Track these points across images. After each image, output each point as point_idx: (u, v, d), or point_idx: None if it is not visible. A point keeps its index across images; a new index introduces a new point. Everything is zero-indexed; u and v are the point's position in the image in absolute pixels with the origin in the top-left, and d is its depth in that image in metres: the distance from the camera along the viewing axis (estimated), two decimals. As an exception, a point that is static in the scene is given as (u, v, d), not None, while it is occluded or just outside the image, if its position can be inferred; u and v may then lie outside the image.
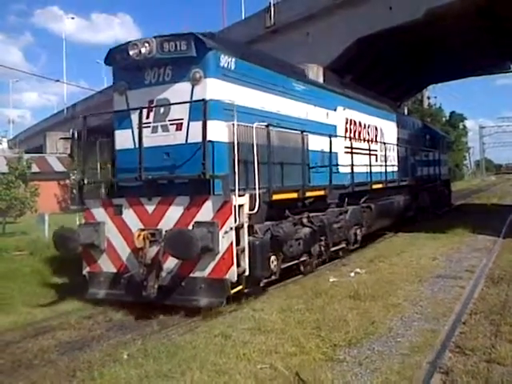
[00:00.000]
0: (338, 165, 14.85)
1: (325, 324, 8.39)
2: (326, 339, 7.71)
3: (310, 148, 13.09)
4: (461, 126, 73.99)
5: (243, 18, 31.89)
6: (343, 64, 25.36)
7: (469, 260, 13.99)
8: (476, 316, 8.79)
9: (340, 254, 14.92)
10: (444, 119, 64.03)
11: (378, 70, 30.83)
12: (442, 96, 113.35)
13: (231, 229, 9.49)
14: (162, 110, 10.46)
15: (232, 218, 9.50)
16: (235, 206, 9.54)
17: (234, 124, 9.94)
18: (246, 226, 9.81)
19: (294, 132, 12.41)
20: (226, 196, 9.49)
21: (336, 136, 14.88)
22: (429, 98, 56.65)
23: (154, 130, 10.53)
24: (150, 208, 10.22)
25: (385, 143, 19.42)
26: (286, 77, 12.75)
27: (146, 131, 10.37)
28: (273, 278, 11.01)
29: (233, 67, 10.65)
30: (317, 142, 13.51)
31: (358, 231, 16.01)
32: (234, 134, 9.98)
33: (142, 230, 9.97)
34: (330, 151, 13.84)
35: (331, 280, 11.83)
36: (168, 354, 7.43)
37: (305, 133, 12.76)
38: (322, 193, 13.49)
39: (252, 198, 9.98)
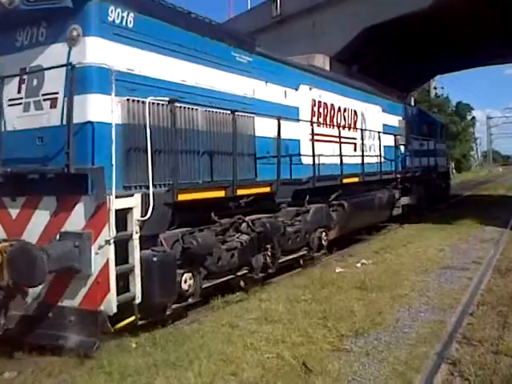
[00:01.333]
0: (298, 155, 12.63)
1: (331, 314, 8.38)
2: (333, 329, 7.71)
3: (257, 134, 10.82)
4: (468, 117, 73.62)
5: (249, 8, 31.63)
6: (350, 54, 25.28)
7: (476, 251, 13.96)
8: (483, 307, 8.77)
9: (301, 262, 12.73)
10: (451, 109, 63.66)
11: (385, 60, 30.66)
12: (450, 86, 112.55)
13: (108, 242, 6.97)
14: (35, 81, 7.84)
15: (107, 228, 6.97)
16: (115, 211, 7.07)
17: (125, 100, 7.72)
18: (136, 237, 7.39)
19: (229, 113, 9.69)
20: (99, 197, 7.01)
21: (298, 120, 12.58)
22: (435, 88, 56.36)
23: (26, 107, 7.92)
24: (14, 212, 7.81)
25: (366, 130, 16.79)
26: (221, 43, 10.00)
27: (16, 109, 7.98)
28: (190, 301, 8.79)
29: (130, 24, 7.94)
30: (269, 127, 11.06)
31: (324, 235, 13.54)
32: (127, 113, 7.75)
33: (5, 240, 7.58)
34: (279, 137, 10.87)
35: (337, 270, 11.81)
36: (176, 343, 7.43)
37: (250, 115, 10.49)
38: (266, 190, 10.86)
39: (143, 199, 7.59)
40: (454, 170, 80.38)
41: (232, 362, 6.62)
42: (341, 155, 14.11)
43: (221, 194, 9.36)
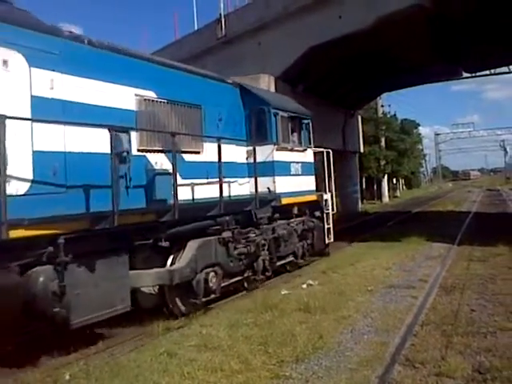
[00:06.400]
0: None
1: (273, 339, 8.17)
2: (273, 355, 7.53)
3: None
4: (415, 133, 74.72)
5: (196, 28, 31.52)
6: (296, 73, 25.30)
7: (422, 269, 13.93)
8: (427, 327, 8.68)
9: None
10: (398, 127, 64.55)
11: (331, 79, 30.83)
12: (397, 104, 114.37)
13: None
14: None
15: None
16: None
17: None
18: None
19: None
20: None
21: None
22: (383, 106, 57.09)
23: None
24: None
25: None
26: None
27: None
28: None
29: None
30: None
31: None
32: None
33: None
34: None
35: (283, 292, 11.63)
36: (111, 373, 7.18)
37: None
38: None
39: None
40: (404, 187, 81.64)
41: (166, 393, 6.34)
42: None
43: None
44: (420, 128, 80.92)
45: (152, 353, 8.02)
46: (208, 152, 11.94)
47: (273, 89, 22.42)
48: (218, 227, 11.59)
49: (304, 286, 12.30)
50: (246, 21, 26.28)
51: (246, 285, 12.87)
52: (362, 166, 48.11)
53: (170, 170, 9.91)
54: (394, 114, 63.92)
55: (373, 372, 6.75)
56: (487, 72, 38.56)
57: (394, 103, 69.53)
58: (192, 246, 10.83)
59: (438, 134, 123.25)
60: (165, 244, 9.90)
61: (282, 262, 14.72)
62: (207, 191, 11.63)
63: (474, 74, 38.56)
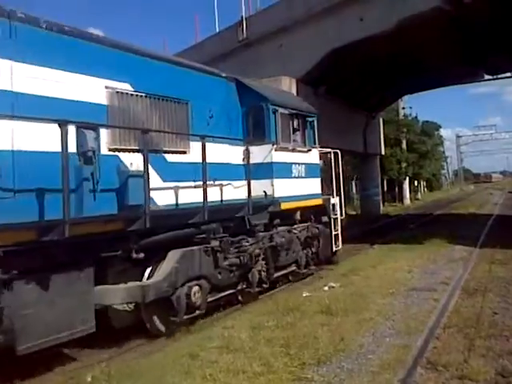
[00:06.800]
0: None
1: (294, 341, 8.17)
2: (295, 357, 7.53)
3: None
4: (436, 135, 74.09)
5: (217, 31, 31.56)
6: (317, 75, 25.29)
7: (444, 271, 13.84)
8: (450, 330, 8.63)
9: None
10: (419, 130, 64.06)
11: (352, 81, 30.80)
12: (419, 106, 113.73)
13: None
14: None
15: None
16: None
17: None
18: None
19: None
20: None
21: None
22: (404, 108, 56.70)
23: None
24: None
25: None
26: None
27: None
28: None
29: None
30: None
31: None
32: None
33: None
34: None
35: (304, 295, 11.63)
36: (133, 375, 7.23)
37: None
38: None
39: None
40: (425, 189, 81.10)
41: (188, 395, 6.37)
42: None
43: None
44: (441, 130, 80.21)
45: (174, 355, 8.06)
46: (196, 152, 10.41)
47: (294, 91, 22.40)
48: (203, 236, 10.42)
49: (325, 288, 12.29)
50: (268, 23, 26.26)
51: (240, 298, 11.89)
52: (384, 169, 47.88)
53: (149, 172, 8.83)
54: (416, 116, 63.43)
55: (395, 375, 6.73)
56: (508, 74, 38.18)
57: (416, 105, 68.64)
58: (172, 257, 9.71)
59: (459, 136, 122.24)
60: (138, 256, 8.76)
61: (283, 272, 13.60)
62: (195, 195, 10.24)
63: (495, 77, 38.24)
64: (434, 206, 47.62)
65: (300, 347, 7.89)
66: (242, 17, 28.23)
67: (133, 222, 8.57)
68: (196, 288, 10.02)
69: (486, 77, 37.65)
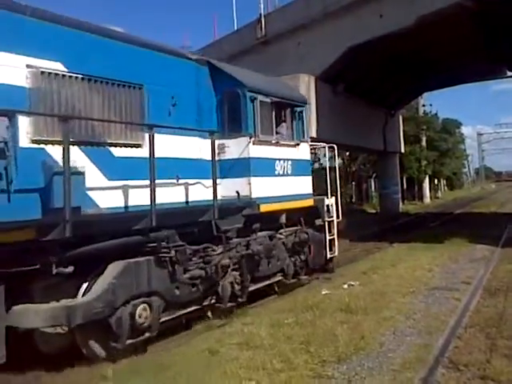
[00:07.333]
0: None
1: (314, 339, 8.12)
2: (315, 355, 7.48)
3: None
4: (457, 133, 73.44)
5: (235, 28, 31.65)
6: (335, 73, 25.26)
7: (466, 271, 13.69)
8: (471, 329, 8.53)
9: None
10: (439, 127, 63.56)
11: (371, 79, 30.65)
12: (439, 103, 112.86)
13: None
14: None
15: None
16: None
17: None
18: None
19: None
20: None
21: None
22: (424, 105, 56.25)
23: None
24: None
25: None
26: None
27: None
28: None
29: None
30: None
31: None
32: None
33: None
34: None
35: (323, 292, 11.57)
36: (154, 370, 7.28)
37: None
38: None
39: None
40: (446, 188, 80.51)
41: (209, 390, 6.36)
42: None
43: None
44: (462, 128, 79.60)
45: (194, 350, 8.07)
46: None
47: (313, 88, 22.34)
48: (153, 244, 8.78)
49: (345, 286, 12.21)
50: (286, 21, 26.30)
51: (209, 314, 10.37)
52: (403, 167, 47.60)
53: (86, 168, 7.64)
54: (436, 114, 62.90)
55: (416, 374, 6.65)
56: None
57: (436, 103, 68.17)
58: (111, 271, 8.10)
59: (480, 134, 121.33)
60: (64, 270, 7.34)
61: (264, 283, 11.97)
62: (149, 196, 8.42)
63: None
64: (454, 205, 47.30)
65: (320, 345, 7.84)
66: (260, 14, 28.31)
67: (51, 230, 6.94)
68: (143, 306, 8.45)
69: (509, 73, 37.25)
